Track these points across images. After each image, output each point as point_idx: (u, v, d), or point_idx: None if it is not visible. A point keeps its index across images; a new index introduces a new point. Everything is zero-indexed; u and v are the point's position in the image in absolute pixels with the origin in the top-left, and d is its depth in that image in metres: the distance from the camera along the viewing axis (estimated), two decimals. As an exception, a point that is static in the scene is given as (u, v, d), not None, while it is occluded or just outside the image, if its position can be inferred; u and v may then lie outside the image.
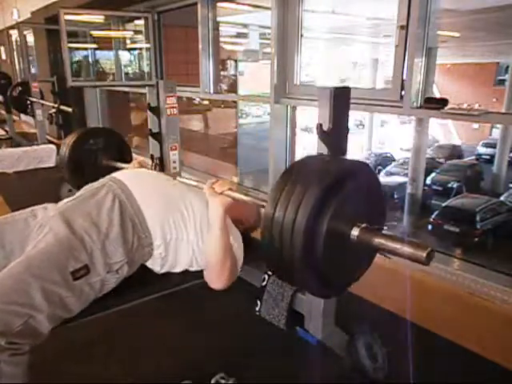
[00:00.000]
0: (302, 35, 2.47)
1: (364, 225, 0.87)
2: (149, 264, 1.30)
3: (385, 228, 0.98)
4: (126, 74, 4.77)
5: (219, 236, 1.21)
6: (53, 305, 1.03)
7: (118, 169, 1.86)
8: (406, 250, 0.81)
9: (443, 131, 14.62)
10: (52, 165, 4.31)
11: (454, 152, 13.01)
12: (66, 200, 1.28)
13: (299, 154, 2.92)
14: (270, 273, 1.49)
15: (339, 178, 0.85)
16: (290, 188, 0.84)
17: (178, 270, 1.34)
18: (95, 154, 1.99)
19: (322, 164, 0.92)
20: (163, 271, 1.32)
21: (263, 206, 0.96)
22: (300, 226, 0.81)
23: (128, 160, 1.96)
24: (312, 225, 0.81)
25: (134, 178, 1.38)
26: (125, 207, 1.23)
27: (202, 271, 1.37)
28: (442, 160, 11.96)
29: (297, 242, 0.82)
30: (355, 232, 0.87)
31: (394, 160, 12.45)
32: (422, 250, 0.78)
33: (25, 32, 5.47)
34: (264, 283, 1.47)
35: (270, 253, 0.89)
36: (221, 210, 1.21)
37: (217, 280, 1.25)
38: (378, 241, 0.85)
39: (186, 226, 1.31)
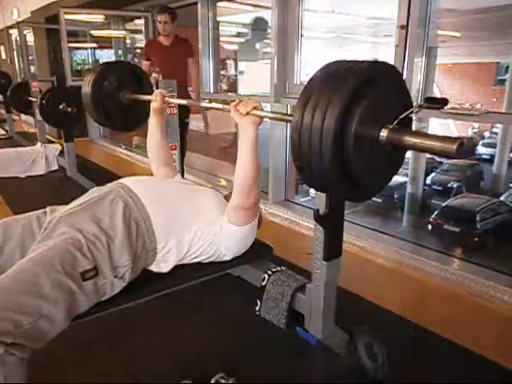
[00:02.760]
0: (302, 35, 2.47)
1: (392, 125, 0.88)
2: (153, 268, 1.30)
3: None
4: (126, 73, 4.75)
5: (252, 154, 1.24)
6: (63, 302, 1.03)
7: (139, 101, 1.92)
8: (436, 144, 0.82)
9: (444, 131, 14.64)
10: (56, 167, 4.31)
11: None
12: (72, 204, 1.29)
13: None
14: (270, 273, 1.49)
15: (364, 80, 0.84)
16: (316, 93, 0.85)
17: (180, 263, 1.35)
18: (116, 88, 1.99)
19: (346, 68, 0.90)
20: (166, 270, 1.33)
21: (290, 121, 0.95)
22: (328, 130, 0.81)
23: (149, 92, 1.94)
24: (340, 128, 0.82)
25: (141, 183, 1.39)
26: (132, 211, 1.23)
27: (201, 270, 1.37)
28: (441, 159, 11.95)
29: (326, 146, 0.82)
30: (384, 133, 0.88)
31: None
32: (452, 142, 0.79)
33: (25, 31, 5.47)
34: (264, 283, 1.47)
35: (299, 160, 0.89)
36: (251, 130, 1.23)
37: (245, 199, 1.28)
38: (407, 139, 0.86)
39: (191, 228, 1.32)
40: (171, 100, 1.76)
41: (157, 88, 1.78)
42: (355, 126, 0.83)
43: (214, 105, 1.54)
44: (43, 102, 3.62)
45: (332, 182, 0.90)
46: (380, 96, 0.88)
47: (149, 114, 1.73)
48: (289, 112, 2.49)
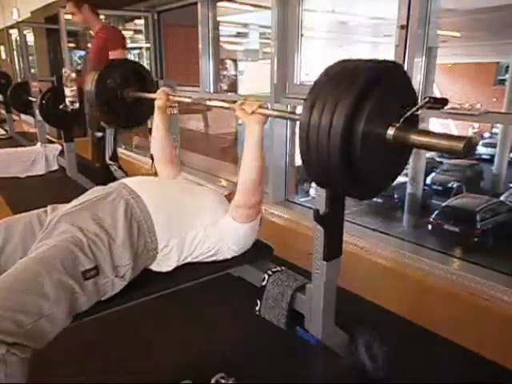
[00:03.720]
0: (302, 35, 2.46)
1: (399, 124, 0.88)
2: (153, 267, 1.30)
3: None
4: (126, 73, 4.76)
5: (258, 152, 1.26)
6: (64, 301, 1.03)
7: (143, 99, 1.91)
8: (443, 143, 0.82)
9: (443, 131, 14.60)
10: (56, 167, 4.31)
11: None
12: (74, 202, 1.29)
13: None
14: (270, 273, 1.49)
15: (371, 80, 0.85)
16: (324, 94, 0.86)
17: (181, 263, 1.35)
18: (120, 87, 1.98)
19: (352, 67, 0.91)
20: (167, 270, 1.33)
21: (298, 120, 0.96)
22: (336, 129, 0.82)
23: (153, 90, 1.93)
24: (348, 127, 0.83)
25: (143, 183, 1.40)
26: (134, 211, 1.24)
27: (201, 270, 1.37)
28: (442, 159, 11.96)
29: (334, 145, 0.83)
30: (391, 132, 0.88)
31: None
32: (459, 141, 0.79)
33: (25, 31, 5.47)
34: (264, 283, 1.47)
35: (308, 159, 0.90)
36: (257, 129, 1.25)
37: (251, 197, 1.30)
38: (413, 137, 0.87)
39: (193, 228, 1.32)
40: (176, 98, 1.76)
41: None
42: (363, 125, 0.84)
43: (220, 103, 1.55)
44: (43, 101, 3.62)
45: (340, 180, 0.91)
46: (387, 95, 0.88)
47: (153, 111, 1.73)
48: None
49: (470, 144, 0.79)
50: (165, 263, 1.31)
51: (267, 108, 1.26)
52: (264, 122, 1.26)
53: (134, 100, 1.99)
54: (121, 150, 4.90)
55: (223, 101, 1.50)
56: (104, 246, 1.14)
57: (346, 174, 0.88)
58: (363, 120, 0.84)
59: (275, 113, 1.24)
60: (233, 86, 7.45)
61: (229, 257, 1.40)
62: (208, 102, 1.84)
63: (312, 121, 0.86)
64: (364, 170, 0.89)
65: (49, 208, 1.31)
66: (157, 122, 1.70)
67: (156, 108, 1.70)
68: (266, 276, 1.48)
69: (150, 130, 2.18)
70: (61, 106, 3.44)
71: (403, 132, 0.88)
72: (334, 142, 0.83)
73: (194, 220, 1.33)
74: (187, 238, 1.31)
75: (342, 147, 0.84)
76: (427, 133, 0.87)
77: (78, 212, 1.22)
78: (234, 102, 1.31)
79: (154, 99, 1.72)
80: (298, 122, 0.96)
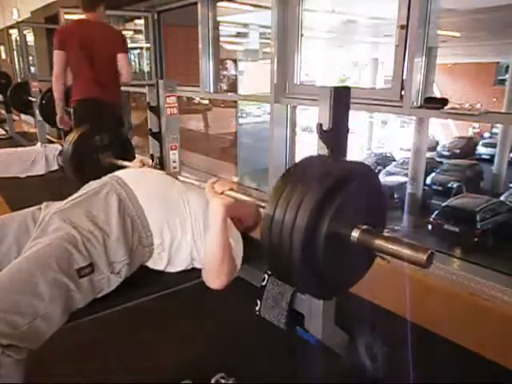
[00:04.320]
0: (302, 35, 2.47)
1: (364, 227, 0.87)
2: (150, 264, 1.30)
3: (386, 230, 0.97)
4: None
5: (219, 236, 1.20)
6: (59, 300, 1.02)
7: (120, 167, 1.85)
8: (406, 252, 0.80)
9: (444, 131, 14.62)
10: (56, 167, 4.30)
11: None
12: (67, 199, 1.28)
13: (299, 154, 2.92)
14: (269, 272, 1.49)
15: (339, 180, 0.85)
16: (290, 189, 0.84)
17: (179, 268, 1.34)
18: (97, 151, 1.98)
19: (322, 165, 0.92)
20: (165, 270, 1.32)
21: (263, 207, 0.95)
22: (300, 226, 0.80)
23: (130, 159, 1.95)
24: (312, 226, 0.81)
25: (136, 177, 1.39)
26: (127, 207, 1.23)
27: (200, 270, 1.37)
28: (442, 159, 11.98)
29: (296, 242, 0.81)
30: (355, 234, 0.86)
31: (394, 160, 12.46)
32: (423, 252, 0.78)
33: (25, 31, 5.47)
34: (264, 283, 1.47)
35: (269, 253, 0.88)
36: (221, 211, 1.19)
37: (215, 279, 1.24)
38: (377, 242, 0.84)
39: (186, 226, 1.31)
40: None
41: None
42: (327, 224, 0.82)
43: (186, 180, 1.47)
44: (43, 101, 3.62)
45: (299, 276, 0.88)
46: (354, 196, 0.87)
47: None
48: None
49: (432, 258, 0.78)
50: (161, 261, 1.30)
51: (236, 192, 1.20)
52: (228, 205, 1.19)
53: (109, 166, 1.95)
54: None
55: (196, 180, 1.43)
56: (98, 242, 1.13)
57: (307, 271, 0.86)
58: (327, 220, 0.82)
59: (243, 197, 1.17)
60: (233, 86, 7.46)
61: None
62: (180, 178, 1.55)
63: (276, 216, 0.84)
64: (325, 268, 0.87)
65: (43, 205, 1.30)
66: None
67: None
68: (266, 276, 1.48)
69: (150, 130, 2.19)
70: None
71: (367, 235, 0.86)
72: (296, 239, 0.81)
73: (188, 221, 1.32)
74: (181, 243, 1.30)
75: (303, 246, 0.81)
76: (391, 239, 0.84)
77: (71, 209, 1.21)
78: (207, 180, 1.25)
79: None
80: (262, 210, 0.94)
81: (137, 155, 2.04)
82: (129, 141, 2.15)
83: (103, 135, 2.00)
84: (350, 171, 0.90)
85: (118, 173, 1.37)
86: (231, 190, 1.19)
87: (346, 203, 0.85)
